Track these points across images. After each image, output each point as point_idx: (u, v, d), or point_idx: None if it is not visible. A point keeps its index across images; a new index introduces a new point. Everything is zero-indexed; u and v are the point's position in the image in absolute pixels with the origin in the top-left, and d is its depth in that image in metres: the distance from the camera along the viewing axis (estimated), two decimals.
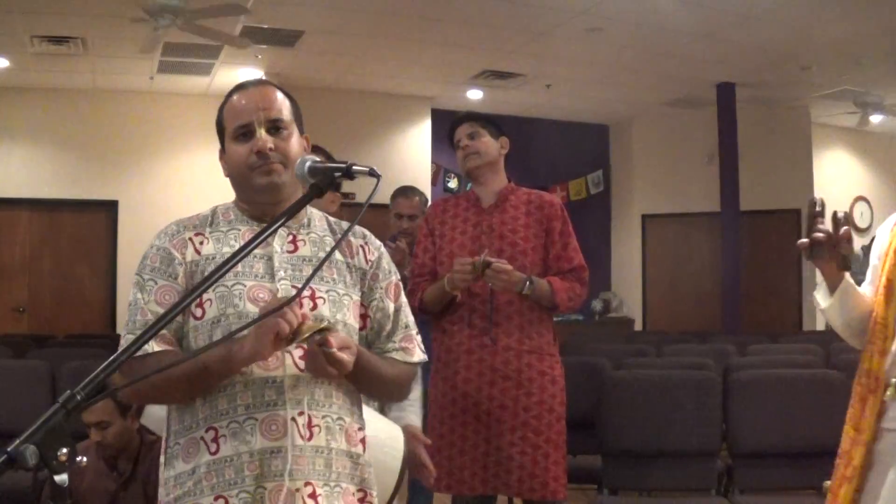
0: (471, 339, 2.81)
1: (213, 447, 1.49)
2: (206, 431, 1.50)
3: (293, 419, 1.51)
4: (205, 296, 1.51)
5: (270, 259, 1.59)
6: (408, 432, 2.23)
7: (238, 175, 1.63)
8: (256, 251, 1.54)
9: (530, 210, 2.91)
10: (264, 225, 1.59)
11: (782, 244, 9.59)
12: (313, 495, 1.51)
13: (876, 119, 9.15)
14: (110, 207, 8.59)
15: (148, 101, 8.64)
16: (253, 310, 1.52)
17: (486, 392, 2.77)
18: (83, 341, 6.52)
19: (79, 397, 1.04)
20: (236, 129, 1.61)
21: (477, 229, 2.90)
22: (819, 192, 9.39)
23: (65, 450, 1.00)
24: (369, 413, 2.05)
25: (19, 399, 3.80)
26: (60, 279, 8.45)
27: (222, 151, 1.67)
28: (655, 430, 3.45)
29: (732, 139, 8.62)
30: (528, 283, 2.74)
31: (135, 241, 7.70)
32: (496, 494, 2.82)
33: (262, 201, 1.63)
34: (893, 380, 1.98)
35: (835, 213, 2.00)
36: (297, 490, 1.50)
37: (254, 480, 1.48)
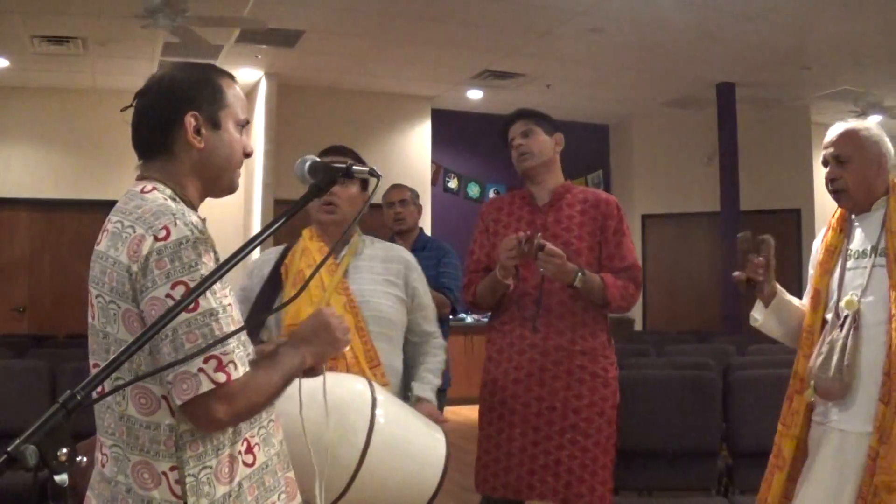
0: (522, 340, 2.76)
1: (249, 458, 1.43)
2: (242, 444, 1.42)
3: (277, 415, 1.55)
4: (225, 301, 1.38)
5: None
6: (424, 408, 2.26)
7: (225, 163, 1.51)
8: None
9: (585, 209, 2.85)
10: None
11: (782, 244, 9.54)
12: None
13: (875, 119, 9.14)
14: (110, 207, 8.49)
15: None
16: (237, 315, 1.44)
17: (535, 393, 2.72)
18: (83, 341, 6.47)
19: (79, 397, 1.04)
20: (243, 120, 1.54)
21: (531, 228, 2.82)
22: (819, 193, 9.40)
23: (65, 450, 1.01)
24: (414, 415, 2.06)
25: (19, 399, 3.79)
26: (60, 279, 8.44)
27: (206, 122, 1.48)
28: (655, 430, 3.45)
29: (732, 139, 8.61)
30: (579, 274, 2.67)
31: None
32: (542, 500, 2.75)
33: (216, 198, 1.59)
34: (812, 382, 2.22)
35: (754, 241, 2.34)
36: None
37: (283, 479, 1.50)
